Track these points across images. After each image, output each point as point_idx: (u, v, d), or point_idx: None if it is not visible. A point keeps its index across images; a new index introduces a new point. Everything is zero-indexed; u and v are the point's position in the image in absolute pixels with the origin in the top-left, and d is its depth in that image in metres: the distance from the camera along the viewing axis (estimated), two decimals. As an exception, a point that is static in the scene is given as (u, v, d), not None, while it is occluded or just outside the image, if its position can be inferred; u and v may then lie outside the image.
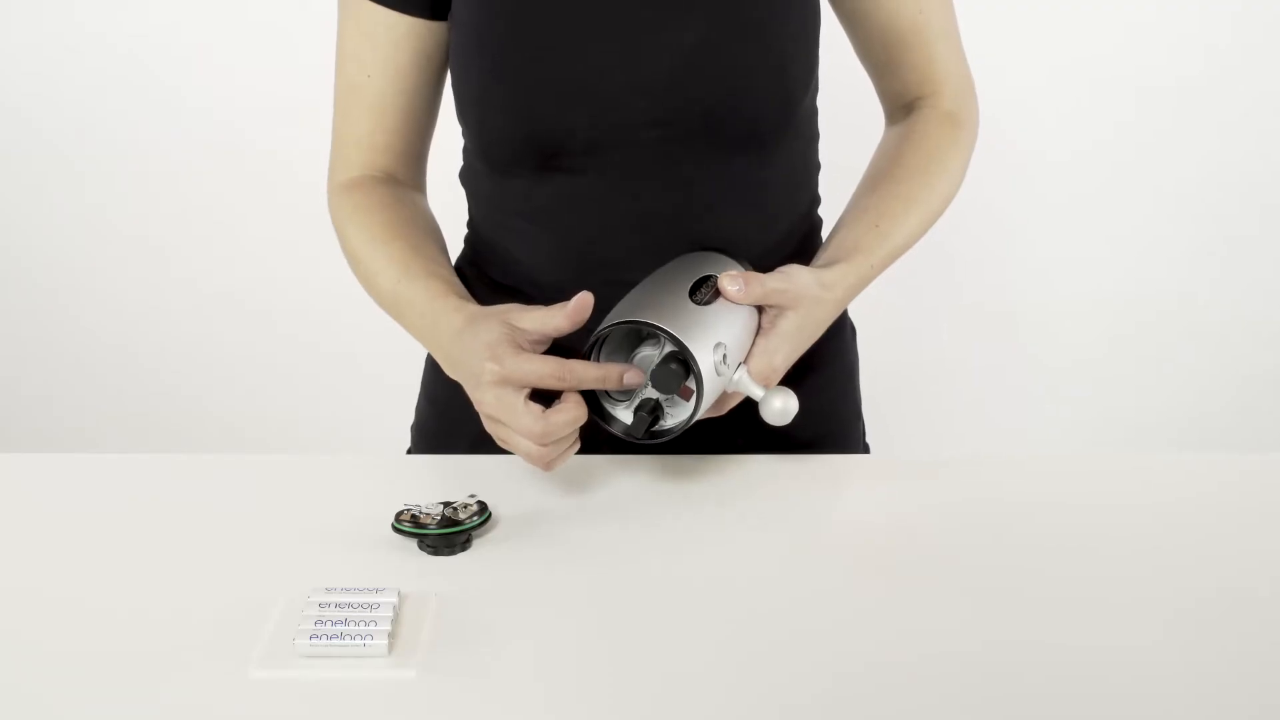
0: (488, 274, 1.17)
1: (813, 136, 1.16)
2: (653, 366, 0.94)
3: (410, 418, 1.28)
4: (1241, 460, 1.09)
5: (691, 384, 0.92)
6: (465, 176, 1.17)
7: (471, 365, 0.95)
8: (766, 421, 0.96)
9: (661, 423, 0.95)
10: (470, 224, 1.20)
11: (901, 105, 1.19)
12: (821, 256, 1.09)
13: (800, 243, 1.17)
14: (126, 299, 2.39)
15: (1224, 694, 0.78)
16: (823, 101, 1.18)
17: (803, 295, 1.00)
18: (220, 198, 2.31)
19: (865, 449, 1.27)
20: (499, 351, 0.93)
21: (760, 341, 0.99)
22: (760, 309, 1.00)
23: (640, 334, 0.96)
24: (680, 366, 0.92)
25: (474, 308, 1.02)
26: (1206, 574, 0.90)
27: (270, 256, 2.27)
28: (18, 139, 2.30)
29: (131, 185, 2.32)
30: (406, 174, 1.17)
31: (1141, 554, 0.93)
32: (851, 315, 1.25)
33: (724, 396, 0.99)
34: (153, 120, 2.27)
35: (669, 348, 0.94)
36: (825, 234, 1.20)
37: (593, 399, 0.95)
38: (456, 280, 1.08)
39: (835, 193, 1.23)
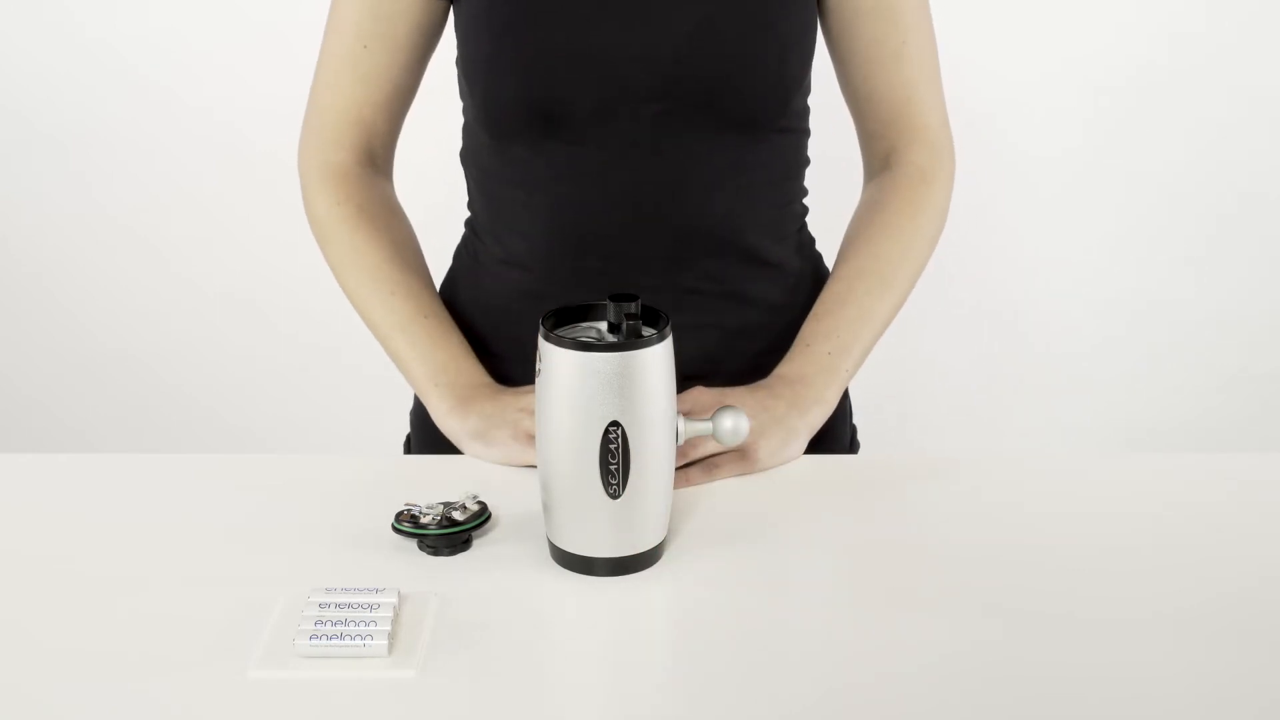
0: (485, 256, 1.20)
1: (804, 132, 1.20)
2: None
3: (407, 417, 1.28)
4: (1241, 460, 1.09)
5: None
6: (466, 154, 1.20)
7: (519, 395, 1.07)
8: (725, 444, 0.96)
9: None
10: (470, 205, 1.23)
11: (879, 155, 1.20)
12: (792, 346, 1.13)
13: (786, 229, 1.20)
14: (126, 299, 2.39)
15: (1225, 695, 0.78)
16: (815, 101, 1.19)
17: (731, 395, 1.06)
18: (220, 198, 2.31)
19: (855, 448, 1.28)
20: None
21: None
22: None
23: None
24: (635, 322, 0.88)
25: None
26: (1206, 575, 0.90)
27: (270, 257, 2.27)
28: (18, 139, 2.30)
29: (132, 185, 2.31)
30: (383, 154, 1.21)
31: (1139, 553, 0.93)
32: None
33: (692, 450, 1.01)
34: (153, 120, 2.27)
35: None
36: (809, 221, 1.25)
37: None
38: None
39: (823, 189, 1.25)
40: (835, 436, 1.20)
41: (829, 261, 1.23)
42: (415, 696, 0.77)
